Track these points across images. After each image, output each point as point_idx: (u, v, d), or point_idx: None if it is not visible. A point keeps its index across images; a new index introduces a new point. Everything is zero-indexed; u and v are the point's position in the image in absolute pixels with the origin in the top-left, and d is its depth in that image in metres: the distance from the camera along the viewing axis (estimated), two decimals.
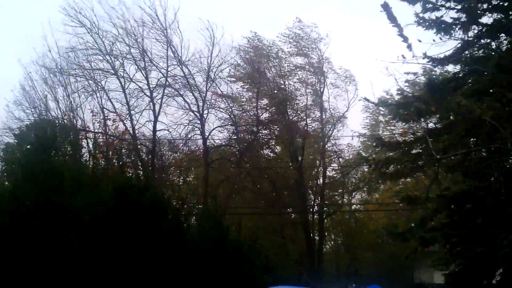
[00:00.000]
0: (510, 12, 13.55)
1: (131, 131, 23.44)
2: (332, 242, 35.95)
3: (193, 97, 24.28)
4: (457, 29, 13.63)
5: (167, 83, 23.70)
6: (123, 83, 23.06)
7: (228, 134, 26.72)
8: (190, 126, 24.54)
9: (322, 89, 28.11)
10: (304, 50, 27.91)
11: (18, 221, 13.21)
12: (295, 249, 28.28)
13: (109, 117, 23.47)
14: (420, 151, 14.96)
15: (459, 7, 13.66)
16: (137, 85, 23.41)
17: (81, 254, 13.44)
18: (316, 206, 29.41)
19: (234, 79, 26.70)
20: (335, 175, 30.14)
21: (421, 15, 13.68)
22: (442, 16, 13.78)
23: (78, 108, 23.12)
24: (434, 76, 15.23)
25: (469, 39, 13.93)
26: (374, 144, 17.06)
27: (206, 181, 23.71)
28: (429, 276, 25.67)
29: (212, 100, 25.23)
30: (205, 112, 24.59)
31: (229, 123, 26.01)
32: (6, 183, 17.17)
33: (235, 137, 26.55)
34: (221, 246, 16.80)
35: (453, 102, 12.31)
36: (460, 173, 14.84)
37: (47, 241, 13.19)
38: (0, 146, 22.64)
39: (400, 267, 29.98)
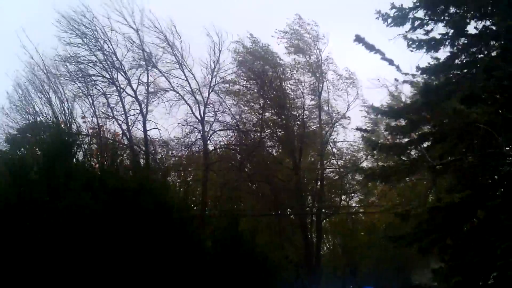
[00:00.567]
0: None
1: (127, 134, 23.41)
2: (329, 244, 36.08)
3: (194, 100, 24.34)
4: (446, 43, 13.97)
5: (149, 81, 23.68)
6: (119, 89, 23.04)
7: (230, 137, 26.86)
8: (191, 129, 24.70)
9: (320, 89, 27.99)
10: (302, 47, 27.68)
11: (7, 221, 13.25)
12: (294, 251, 28.37)
13: (103, 121, 23.41)
14: (415, 157, 15.15)
15: (444, 22, 14.01)
16: (120, 87, 23.31)
17: (74, 255, 13.40)
18: (314, 208, 29.40)
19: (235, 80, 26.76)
20: (334, 176, 30.19)
21: (409, 36, 14.05)
22: (431, 30, 14.14)
23: (72, 113, 22.98)
24: (428, 82, 15.39)
25: (459, 47, 14.24)
26: (370, 147, 17.27)
27: (204, 184, 23.79)
28: (426, 277, 25.83)
29: (213, 103, 25.27)
30: (207, 116, 24.61)
31: (230, 127, 26.08)
32: None
33: (234, 139, 26.72)
34: (235, 250, 16.81)
35: (448, 107, 12.50)
36: (455, 179, 15.06)
37: (39, 242, 13.19)
38: None
39: (398, 269, 30.22)
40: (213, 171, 24.99)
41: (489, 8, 13.97)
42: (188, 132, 24.66)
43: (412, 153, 15.39)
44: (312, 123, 28.88)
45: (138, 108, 23.23)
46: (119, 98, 23.07)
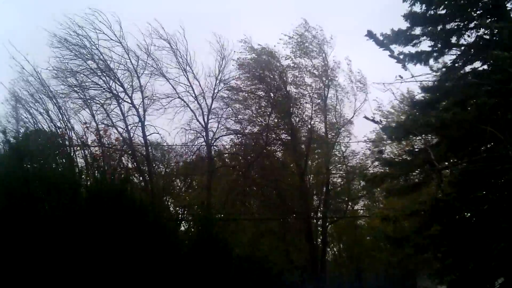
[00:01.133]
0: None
1: (125, 139, 23.59)
2: (335, 249, 35.92)
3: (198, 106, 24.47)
4: (434, 55, 14.14)
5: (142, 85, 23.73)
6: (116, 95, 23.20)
7: (234, 142, 26.93)
8: (194, 133, 24.80)
9: (327, 94, 27.93)
10: (308, 52, 27.68)
11: None
12: (299, 256, 28.29)
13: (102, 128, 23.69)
14: (419, 169, 15.18)
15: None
16: (112, 92, 23.31)
17: (50, 259, 13.29)
18: (319, 213, 29.34)
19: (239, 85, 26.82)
20: (340, 181, 30.15)
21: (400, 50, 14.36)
22: (420, 43, 14.31)
23: (71, 120, 23.20)
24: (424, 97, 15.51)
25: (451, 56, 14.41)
26: (376, 156, 17.40)
27: (208, 188, 23.85)
28: (432, 282, 25.64)
29: (218, 107, 25.36)
30: (211, 121, 24.83)
31: (235, 132, 26.20)
32: None
33: (240, 142, 26.80)
34: (211, 252, 16.79)
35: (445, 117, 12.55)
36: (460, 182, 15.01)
37: (14, 246, 13.14)
38: None
39: (403, 274, 29.98)
40: (218, 175, 24.98)
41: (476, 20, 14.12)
42: (192, 138, 24.84)
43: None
44: (317, 128, 28.93)
45: (136, 114, 23.39)
46: (117, 106, 23.29)
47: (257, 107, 27.62)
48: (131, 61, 23.26)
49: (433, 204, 14.27)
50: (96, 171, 19.87)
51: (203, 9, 52.86)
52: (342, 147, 29.08)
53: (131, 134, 23.55)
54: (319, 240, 29.32)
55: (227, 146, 27.04)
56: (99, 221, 14.22)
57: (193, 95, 24.31)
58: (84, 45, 22.57)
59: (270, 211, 27.60)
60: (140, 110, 23.36)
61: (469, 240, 13.49)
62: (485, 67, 14.56)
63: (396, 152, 27.21)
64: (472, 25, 14.62)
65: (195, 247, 17.12)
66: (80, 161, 22.38)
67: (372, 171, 25.01)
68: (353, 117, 28.05)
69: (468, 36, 14.75)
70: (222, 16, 53.53)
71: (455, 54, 14.97)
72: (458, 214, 14.13)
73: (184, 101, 24.32)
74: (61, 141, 22.14)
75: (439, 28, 14.68)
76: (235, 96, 26.64)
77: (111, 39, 22.73)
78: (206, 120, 24.44)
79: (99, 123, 23.40)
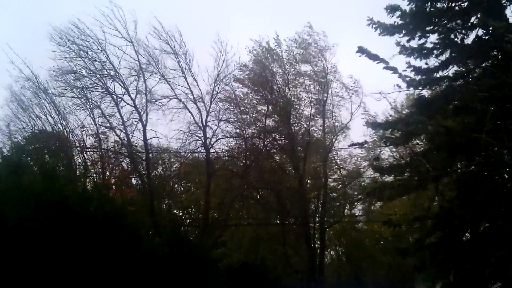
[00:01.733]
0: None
1: (125, 143, 23.44)
2: (334, 253, 35.91)
3: (196, 108, 24.42)
4: (436, 52, 14.15)
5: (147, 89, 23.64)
6: (116, 100, 23.10)
7: (232, 145, 26.93)
8: (192, 136, 24.77)
9: (325, 98, 28.00)
10: (310, 57, 27.78)
11: None
12: (298, 260, 28.27)
13: (102, 132, 23.52)
14: (414, 174, 15.15)
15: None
16: (118, 97, 23.28)
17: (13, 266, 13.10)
18: (317, 217, 29.31)
19: (239, 85, 26.87)
20: (337, 185, 30.14)
21: (402, 43, 14.25)
22: (425, 42, 14.33)
23: (69, 124, 23.19)
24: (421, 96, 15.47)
25: (452, 56, 14.37)
26: (374, 164, 17.38)
27: (207, 191, 23.83)
28: (430, 286, 25.66)
29: (217, 110, 25.35)
30: (209, 123, 24.69)
31: (234, 135, 26.20)
32: None
33: (238, 146, 26.76)
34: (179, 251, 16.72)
35: (440, 124, 12.53)
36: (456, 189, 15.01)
37: None
38: None
39: (401, 278, 30.00)
40: (217, 178, 24.94)
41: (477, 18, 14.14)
42: (191, 140, 24.79)
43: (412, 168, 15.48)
44: (316, 132, 28.99)
45: (138, 117, 23.27)
46: (116, 108, 23.15)
47: (256, 110, 27.66)
48: (139, 64, 23.10)
49: (436, 213, 14.26)
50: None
51: (203, 10, 52.86)
52: (338, 150, 29.16)
53: (131, 137, 23.51)
54: (318, 243, 29.29)
55: (225, 149, 27.05)
56: (64, 228, 14.05)
57: (192, 97, 24.27)
58: (87, 46, 22.48)
59: (269, 215, 27.60)
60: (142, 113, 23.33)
61: (467, 247, 13.47)
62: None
63: (392, 155, 27.33)
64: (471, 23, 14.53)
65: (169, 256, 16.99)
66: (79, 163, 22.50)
67: (368, 175, 25.08)
68: (350, 121, 28.23)
69: (467, 36, 14.71)
70: (223, 17, 53.59)
71: (454, 55, 14.75)
72: (461, 221, 14.05)
73: (183, 102, 24.27)
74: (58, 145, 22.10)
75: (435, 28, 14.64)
76: (235, 101, 26.62)
77: (124, 38, 22.60)
78: (204, 122, 24.40)
79: (99, 125, 23.30)
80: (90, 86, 22.81)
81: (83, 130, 23.06)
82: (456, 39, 14.56)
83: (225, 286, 19.34)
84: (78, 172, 21.96)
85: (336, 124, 28.48)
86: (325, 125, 28.47)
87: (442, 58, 14.44)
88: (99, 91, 22.92)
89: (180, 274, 16.12)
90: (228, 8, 56.81)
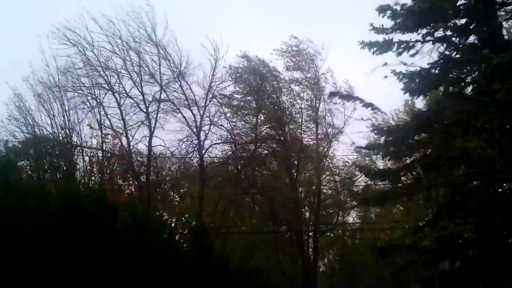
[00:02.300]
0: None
1: (126, 147, 23.40)
2: (327, 260, 35.81)
3: (191, 113, 24.29)
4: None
5: (161, 97, 23.60)
6: (118, 99, 22.97)
7: (226, 151, 26.79)
8: (187, 142, 24.63)
9: (318, 105, 28.07)
10: (300, 64, 27.95)
11: None
12: (291, 267, 28.14)
13: (106, 135, 23.40)
14: (409, 181, 15.09)
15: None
16: (133, 100, 23.29)
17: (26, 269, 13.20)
18: (311, 224, 29.21)
19: (233, 92, 26.77)
20: (331, 192, 30.07)
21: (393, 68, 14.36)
22: (417, 53, 14.35)
23: (75, 125, 22.95)
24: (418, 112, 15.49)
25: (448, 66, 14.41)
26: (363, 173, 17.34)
27: (200, 198, 23.66)
28: None
29: (211, 117, 25.25)
30: (203, 128, 24.58)
31: (227, 141, 26.03)
32: None
33: (232, 153, 26.61)
34: (204, 264, 16.70)
35: (436, 139, 12.52)
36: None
37: None
38: None
39: (395, 285, 29.90)
40: (209, 185, 24.77)
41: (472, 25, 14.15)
42: (185, 146, 24.66)
43: (406, 177, 15.41)
44: (309, 139, 28.97)
45: (147, 125, 23.25)
46: (119, 110, 23.01)
47: (249, 117, 27.56)
48: (171, 67, 23.23)
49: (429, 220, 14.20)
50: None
51: (196, 15, 52.83)
52: (332, 157, 29.07)
53: (138, 144, 23.59)
54: (311, 251, 29.19)
55: (218, 155, 26.90)
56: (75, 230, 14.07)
57: (186, 103, 24.15)
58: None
59: (262, 222, 27.45)
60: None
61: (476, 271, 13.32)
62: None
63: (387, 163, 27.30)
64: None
65: (189, 258, 17.00)
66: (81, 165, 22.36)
67: (361, 181, 25.07)
68: (343, 127, 28.16)
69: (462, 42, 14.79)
70: (216, 24, 53.65)
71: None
72: (468, 249, 13.96)
73: (176, 106, 24.15)
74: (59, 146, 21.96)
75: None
76: (227, 108, 26.55)
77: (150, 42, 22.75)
78: (198, 129, 24.28)
79: (105, 127, 23.18)
80: (98, 86, 22.86)
81: (91, 128, 22.93)
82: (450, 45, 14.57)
83: None
84: (78, 174, 21.83)
85: (330, 130, 28.47)
86: (318, 131, 28.47)
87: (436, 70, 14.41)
88: (105, 91, 22.94)
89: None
90: (222, 9, 56.91)
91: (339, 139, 28.68)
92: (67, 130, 22.69)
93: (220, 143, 25.95)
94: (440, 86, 14.94)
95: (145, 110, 23.23)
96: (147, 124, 23.20)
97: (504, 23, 14.47)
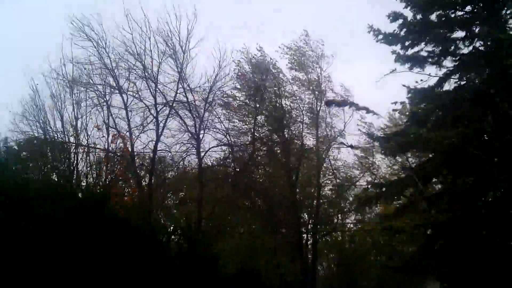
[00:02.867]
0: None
1: (130, 149, 23.45)
2: (327, 262, 35.82)
3: (190, 116, 24.41)
4: (430, 60, 14.21)
5: (172, 103, 23.89)
6: (125, 100, 23.34)
7: (224, 154, 26.82)
8: (186, 145, 24.71)
9: (319, 108, 27.92)
10: (304, 65, 27.67)
11: None
12: (290, 270, 28.13)
13: (114, 135, 23.54)
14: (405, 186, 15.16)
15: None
16: (144, 104, 23.61)
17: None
18: (310, 226, 29.22)
19: (233, 94, 26.77)
20: (330, 194, 30.07)
21: (397, 51, 14.28)
22: (421, 50, 14.34)
23: (85, 123, 23.37)
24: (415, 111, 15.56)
25: (449, 69, 14.44)
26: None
27: (199, 201, 23.72)
28: None
29: (210, 120, 25.27)
30: (202, 132, 24.71)
31: (225, 144, 26.07)
32: None
33: (230, 156, 26.68)
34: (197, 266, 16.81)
35: (433, 136, 12.57)
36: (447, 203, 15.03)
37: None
38: None
39: (397, 286, 29.97)
40: (208, 187, 24.84)
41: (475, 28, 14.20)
42: (184, 148, 24.73)
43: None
44: (309, 141, 28.91)
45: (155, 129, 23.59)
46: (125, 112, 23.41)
47: (249, 118, 27.56)
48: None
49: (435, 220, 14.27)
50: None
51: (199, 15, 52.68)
52: (332, 160, 29.05)
53: (143, 147, 23.76)
54: (310, 253, 29.20)
55: (217, 158, 26.95)
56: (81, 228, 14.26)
57: (186, 105, 24.18)
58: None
59: (261, 225, 27.48)
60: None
61: (471, 261, 13.43)
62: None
63: (387, 167, 27.41)
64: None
65: (184, 260, 17.15)
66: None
67: (361, 183, 25.12)
68: (343, 130, 27.90)
69: (466, 46, 14.81)
70: (222, 25, 53.73)
71: (451, 67, 14.83)
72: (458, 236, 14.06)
73: (175, 110, 24.22)
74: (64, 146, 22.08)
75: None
76: (228, 110, 26.55)
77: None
78: (197, 131, 24.32)
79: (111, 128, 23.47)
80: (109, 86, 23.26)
81: (99, 129, 23.28)
82: (457, 50, 14.68)
83: None
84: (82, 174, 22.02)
85: (330, 132, 28.34)
86: (319, 133, 28.37)
87: (439, 71, 14.46)
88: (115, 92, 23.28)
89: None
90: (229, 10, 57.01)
91: (339, 142, 28.66)
92: (73, 129, 22.96)
93: (219, 145, 25.99)
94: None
95: (154, 115, 23.45)
96: (155, 128, 23.49)
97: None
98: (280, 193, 26.78)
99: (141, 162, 24.39)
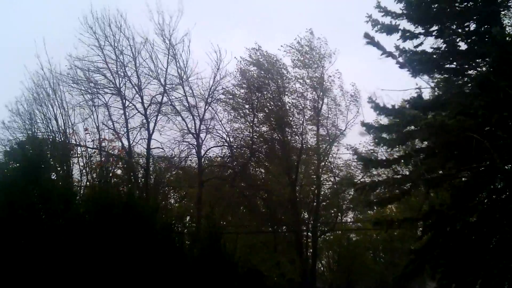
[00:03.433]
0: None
1: (126, 149, 23.39)
2: (326, 261, 35.75)
3: (191, 116, 24.35)
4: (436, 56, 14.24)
5: (162, 100, 23.72)
6: (124, 102, 23.16)
7: (223, 153, 26.81)
8: (185, 145, 24.67)
9: (320, 106, 27.98)
10: (307, 63, 27.73)
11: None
12: (290, 268, 28.04)
13: (105, 136, 23.45)
14: (407, 173, 15.13)
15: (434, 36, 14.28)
16: (131, 103, 23.44)
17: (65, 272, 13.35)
18: (309, 225, 29.18)
19: (232, 94, 26.74)
20: (329, 193, 30.07)
21: (401, 46, 14.30)
22: (422, 44, 14.39)
23: (74, 125, 23.17)
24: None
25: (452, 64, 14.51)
26: (362, 164, 17.36)
27: (199, 200, 23.65)
28: None
29: (210, 119, 25.24)
30: (202, 132, 24.60)
31: (225, 144, 26.07)
32: None
33: (229, 155, 26.65)
34: (218, 265, 16.85)
35: (436, 121, 12.56)
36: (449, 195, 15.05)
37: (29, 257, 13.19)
38: None
39: (394, 286, 29.92)
40: (208, 186, 24.77)
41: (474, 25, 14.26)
42: (184, 148, 24.70)
43: (404, 168, 15.44)
44: (310, 139, 28.96)
45: (146, 128, 23.37)
46: (123, 112, 23.27)
47: (250, 117, 27.55)
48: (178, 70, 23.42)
49: (427, 213, 14.29)
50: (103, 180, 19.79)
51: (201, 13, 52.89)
52: (333, 158, 29.10)
53: (134, 146, 23.64)
54: (310, 251, 29.16)
55: (217, 157, 26.92)
56: (109, 232, 14.31)
57: (187, 104, 24.16)
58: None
59: (261, 223, 27.42)
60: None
61: (465, 253, 13.42)
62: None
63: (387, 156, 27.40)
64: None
65: (202, 259, 17.11)
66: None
67: (361, 181, 25.10)
68: (345, 129, 28.08)
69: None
70: (223, 22, 53.70)
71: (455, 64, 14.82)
72: (453, 223, 14.08)
73: (177, 109, 24.18)
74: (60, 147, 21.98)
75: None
76: (229, 108, 26.58)
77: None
78: (197, 130, 24.28)
79: (102, 128, 23.28)
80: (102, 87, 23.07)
81: (87, 133, 23.09)
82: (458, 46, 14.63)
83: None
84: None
85: (331, 131, 28.38)
86: (320, 132, 28.42)
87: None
88: (110, 92, 23.15)
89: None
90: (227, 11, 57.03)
91: (340, 141, 28.71)
92: (64, 130, 22.78)
93: (218, 146, 26.00)
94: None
95: (143, 113, 23.29)
96: (146, 127, 23.32)
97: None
98: (280, 192, 26.74)
99: (135, 161, 24.22)
